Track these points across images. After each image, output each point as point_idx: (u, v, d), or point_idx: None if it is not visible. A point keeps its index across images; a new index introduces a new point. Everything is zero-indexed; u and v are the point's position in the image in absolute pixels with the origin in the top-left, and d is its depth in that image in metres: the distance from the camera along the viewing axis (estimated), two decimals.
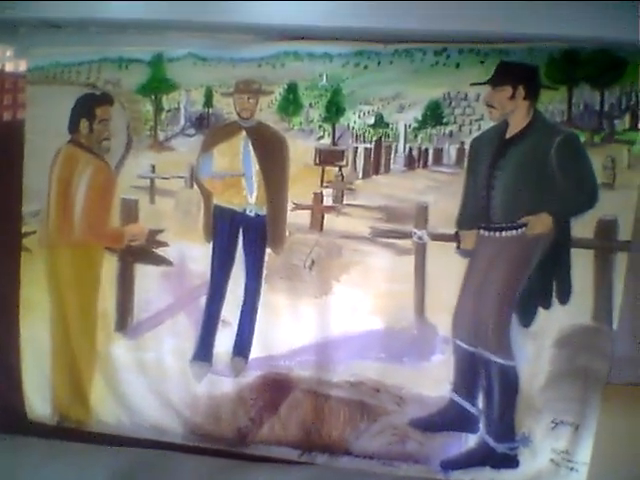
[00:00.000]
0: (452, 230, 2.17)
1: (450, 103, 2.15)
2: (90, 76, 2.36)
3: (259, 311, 2.34)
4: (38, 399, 2.51)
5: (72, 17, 2.25)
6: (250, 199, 2.32)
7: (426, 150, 2.22)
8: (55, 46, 2.37)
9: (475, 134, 2.14)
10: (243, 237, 2.35)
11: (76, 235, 2.38)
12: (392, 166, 2.26)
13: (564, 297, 2.09)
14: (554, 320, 2.11)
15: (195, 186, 2.35)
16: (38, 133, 2.39)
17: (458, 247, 2.17)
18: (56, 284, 2.44)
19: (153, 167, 2.37)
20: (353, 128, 2.25)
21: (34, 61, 2.38)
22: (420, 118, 2.18)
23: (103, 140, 2.36)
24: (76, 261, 2.41)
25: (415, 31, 2.09)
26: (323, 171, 2.27)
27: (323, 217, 2.28)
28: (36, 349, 2.48)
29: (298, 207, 2.28)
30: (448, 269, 2.18)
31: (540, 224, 2.05)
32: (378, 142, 2.26)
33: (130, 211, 2.38)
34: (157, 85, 2.32)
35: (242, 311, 2.35)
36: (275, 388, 2.35)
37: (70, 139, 2.37)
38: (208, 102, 2.30)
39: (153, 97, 2.34)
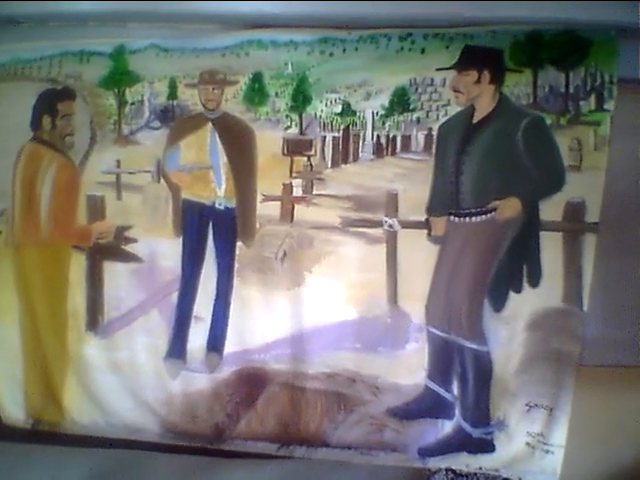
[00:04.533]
0: (422, 217, 2.17)
1: (416, 89, 2.14)
2: (51, 71, 2.31)
3: (232, 305, 2.31)
4: (11, 403, 2.47)
5: (32, 12, 2.20)
6: (219, 192, 2.29)
7: (394, 137, 2.21)
8: (16, 42, 2.32)
9: (442, 120, 2.13)
10: (213, 231, 2.32)
11: (42, 234, 2.34)
12: (361, 154, 2.25)
13: (534, 280, 2.09)
14: (525, 304, 2.11)
15: (162, 180, 2.31)
16: (0, 131, 2.33)
17: (429, 234, 2.17)
18: (24, 285, 2.40)
19: (118, 162, 2.32)
20: (320, 117, 2.22)
21: None
22: (387, 105, 2.17)
23: (66, 136, 2.31)
24: (43, 261, 2.37)
25: (379, 17, 2.07)
26: (292, 161, 2.25)
27: (293, 208, 2.25)
28: (6, 351, 2.43)
29: (268, 198, 2.25)
30: (420, 256, 2.17)
31: (509, 208, 2.05)
32: (346, 130, 2.24)
33: (97, 208, 2.33)
34: (120, 78, 2.27)
35: (215, 306, 2.33)
36: (251, 382, 2.33)
37: (33, 136, 2.33)
38: (172, 94, 2.26)
39: (116, 90, 2.29)
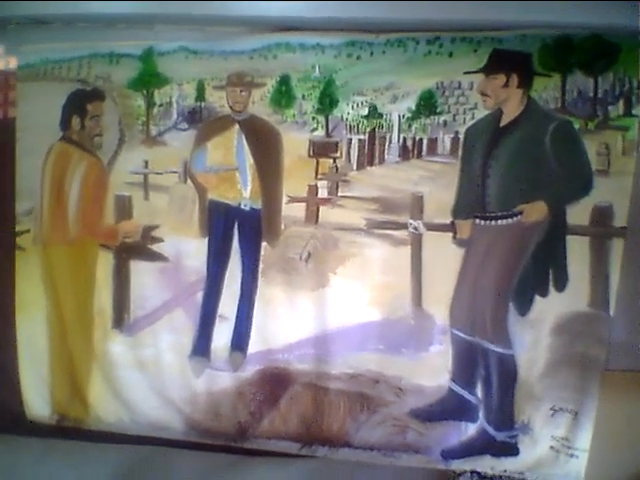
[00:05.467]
0: (448, 220, 2.17)
1: (444, 92, 2.14)
2: (80, 72, 2.34)
3: (256, 305, 2.33)
4: (36, 398, 2.50)
5: (61, 13, 2.23)
6: (245, 193, 2.31)
7: (420, 140, 2.21)
8: (45, 43, 2.34)
9: (469, 123, 2.13)
10: (238, 231, 2.34)
11: (70, 233, 2.37)
12: (386, 157, 2.25)
13: (561, 284, 2.09)
14: (551, 308, 2.11)
15: (189, 181, 2.33)
16: (29, 131, 2.37)
17: (454, 237, 2.17)
18: (51, 282, 2.43)
19: (146, 162, 2.35)
20: (347, 119, 2.23)
21: (24, 58, 2.36)
22: (414, 108, 2.17)
23: (95, 136, 2.34)
24: (71, 259, 2.40)
25: (407, 20, 2.08)
26: (317, 163, 2.26)
27: (318, 209, 2.27)
28: (33, 348, 2.47)
29: (293, 200, 2.27)
30: (444, 259, 2.17)
31: (535, 212, 2.05)
32: (372, 133, 2.25)
33: (124, 207, 2.36)
34: (148, 79, 2.30)
35: (239, 305, 2.34)
36: (274, 382, 2.35)
37: (62, 136, 2.35)
38: (200, 96, 2.28)
39: (145, 92, 2.32)
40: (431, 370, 2.23)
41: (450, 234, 2.17)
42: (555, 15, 1.97)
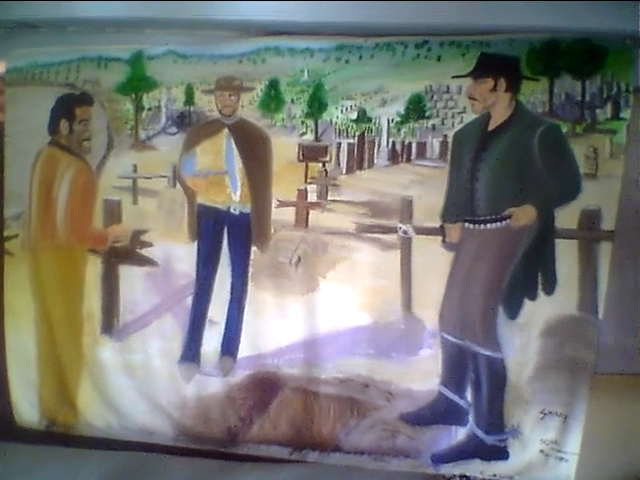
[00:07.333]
0: (437, 224, 2.17)
1: (432, 96, 2.15)
2: (69, 76, 2.33)
3: (246, 310, 2.32)
4: (25, 404, 2.49)
5: (50, 17, 2.23)
6: (234, 197, 2.30)
7: (409, 144, 2.21)
8: (33, 47, 2.34)
9: (458, 127, 2.14)
10: (228, 235, 2.33)
11: (59, 237, 2.36)
12: (376, 161, 2.25)
13: (549, 288, 2.09)
14: (540, 311, 2.11)
15: (178, 185, 2.33)
16: (18, 135, 2.36)
17: (443, 241, 2.17)
18: (40, 287, 2.42)
19: (135, 167, 2.34)
20: (336, 123, 2.23)
21: (12, 62, 2.35)
22: (403, 112, 2.17)
23: (83, 140, 2.34)
24: (60, 264, 2.39)
25: (396, 25, 2.08)
26: (307, 167, 2.26)
27: (308, 213, 2.27)
28: (22, 354, 2.46)
29: (282, 204, 2.27)
30: (434, 263, 2.18)
31: (524, 216, 2.05)
32: (361, 137, 2.25)
33: (113, 212, 2.36)
34: (137, 83, 2.30)
35: (229, 310, 2.34)
36: (264, 387, 2.34)
37: (50, 140, 2.35)
38: (189, 100, 2.28)
39: (133, 96, 2.31)
40: (421, 374, 2.23)
41: (439, 238, 2.17)
42: (543, 19, 1.98)
